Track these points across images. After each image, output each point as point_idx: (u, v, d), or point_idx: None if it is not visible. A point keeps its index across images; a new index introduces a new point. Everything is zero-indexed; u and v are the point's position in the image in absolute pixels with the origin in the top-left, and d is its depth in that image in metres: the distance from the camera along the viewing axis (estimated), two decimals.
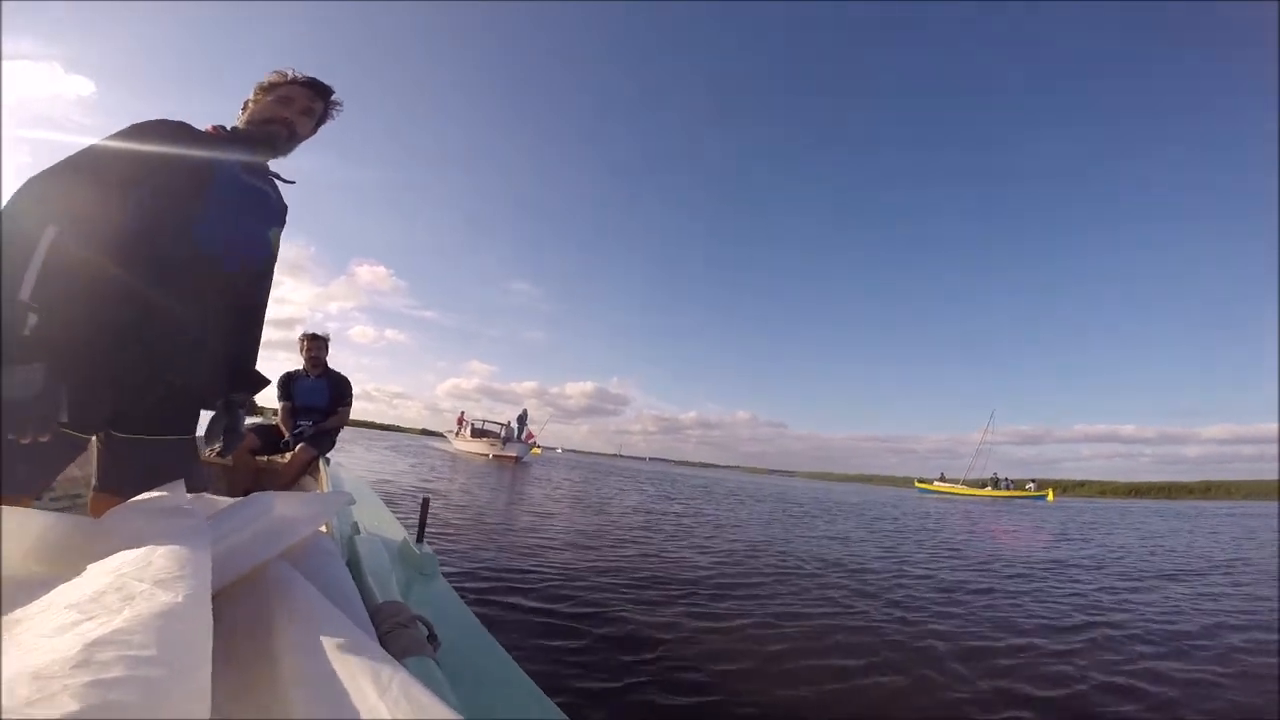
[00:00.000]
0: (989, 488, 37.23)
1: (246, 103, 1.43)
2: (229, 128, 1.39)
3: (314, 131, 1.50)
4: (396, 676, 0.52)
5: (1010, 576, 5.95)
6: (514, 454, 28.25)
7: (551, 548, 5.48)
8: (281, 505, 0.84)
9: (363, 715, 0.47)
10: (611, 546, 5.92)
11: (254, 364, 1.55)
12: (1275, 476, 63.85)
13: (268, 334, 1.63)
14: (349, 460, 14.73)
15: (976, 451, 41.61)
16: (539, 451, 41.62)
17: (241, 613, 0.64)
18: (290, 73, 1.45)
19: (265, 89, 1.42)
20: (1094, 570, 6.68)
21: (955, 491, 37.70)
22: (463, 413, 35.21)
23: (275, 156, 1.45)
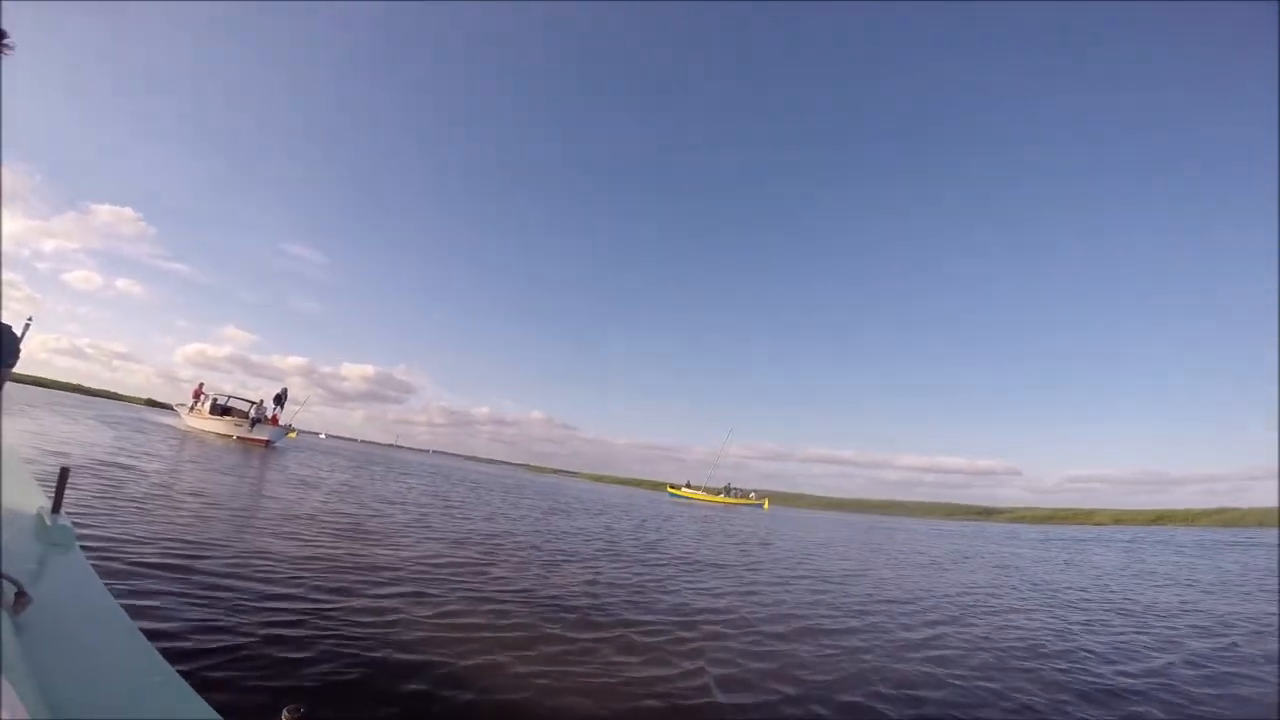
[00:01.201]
0: (722, 495, 44.33)
1: None
2: None
3: None
4: None
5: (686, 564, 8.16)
6: (264, 437, 25.65)
7: (241, 535, 5.84)
8: None
9: None
10: (323, 536, 6.48)
11: None
12: (943, 500, 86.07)
13: None
14: (34, 429, 12.49)
15: (716, 464, 49.43)
16: (295, 435, 37.79)
17: None
18: None
19: None
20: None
21: (696, 497, 44.00)
22: (201, 384, 30.48)
23: None
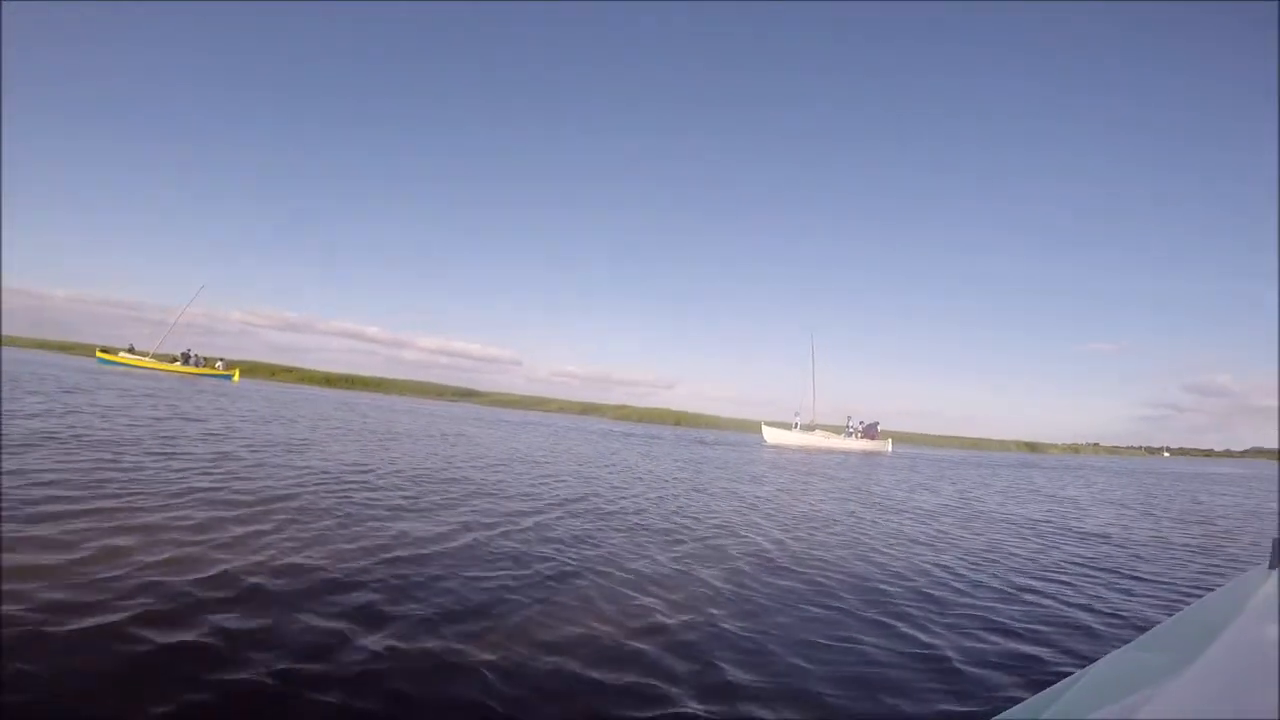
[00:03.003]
0: (179, 363, 40.91)
1: None
2: None
3: None
4: None
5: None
6: None
7: None
8: None
9: None
10: None
11: None
12: (444, 382, 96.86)
13: None
14: None
15: (173, 326, 43.53)
16: None
17: None
18: None
19: None
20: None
21: (140, 364, 38.50)
22: None
23: None
